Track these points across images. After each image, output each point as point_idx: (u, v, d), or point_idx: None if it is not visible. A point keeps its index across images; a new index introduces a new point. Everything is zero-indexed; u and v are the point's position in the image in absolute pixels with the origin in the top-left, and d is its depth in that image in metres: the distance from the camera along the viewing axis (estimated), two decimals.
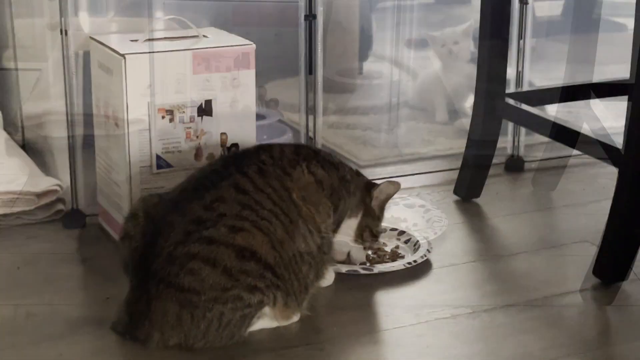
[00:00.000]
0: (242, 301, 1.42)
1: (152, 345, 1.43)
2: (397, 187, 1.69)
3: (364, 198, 1.67)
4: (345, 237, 1.66)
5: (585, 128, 1.89)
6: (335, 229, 1.62)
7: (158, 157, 1.77)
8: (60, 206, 1.94)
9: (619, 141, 1.68)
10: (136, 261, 1.47)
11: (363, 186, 1.67)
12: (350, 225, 1.66)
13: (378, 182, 1.69)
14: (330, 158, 1.63)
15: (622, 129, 1.67)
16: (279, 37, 2.27)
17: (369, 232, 1.68)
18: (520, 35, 2.25)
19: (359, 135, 2.41)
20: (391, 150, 2.36)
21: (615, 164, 1.69)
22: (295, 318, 1.54)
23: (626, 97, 1.66)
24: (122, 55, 1.72)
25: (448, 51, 2.52)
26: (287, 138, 2.27)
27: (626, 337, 1.52)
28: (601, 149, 1.74)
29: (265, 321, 1.50)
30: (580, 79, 2.58)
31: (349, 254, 1.71)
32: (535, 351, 1.47)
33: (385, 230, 1.81)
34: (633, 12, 1.61)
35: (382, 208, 1.70)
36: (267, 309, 1.47)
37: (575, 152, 2.09)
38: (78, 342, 1.49)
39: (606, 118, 2.59)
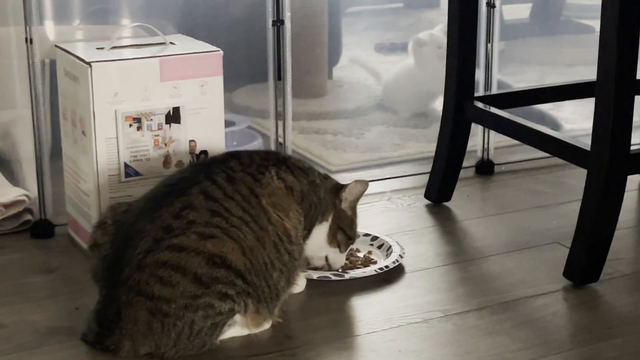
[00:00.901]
0: (213, 309, 1.41)
1: (122, 355, 1.42)
2: (365, 185, 1.68)
3: (334, 201, 1.66)
4: (318, 242, 1.66)
5: (554, 130, 1.90)
6: (307, 235, 1.61)
7: (126, 165, 1.76)
8: (28, 216, 1.92)
9: (588, 142, 1.69)
10: (106, 269, 1.45)
11: (331, 189, 1.66)
12: (322, 230, 1.66)
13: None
14: (300, 163, 1.63)
15: (591, 130, 1.68)
16: (247, 43, 2.26)
17: (343, 234, 1.67)
18: (488, 39, 2.26)
19: (329, 140, 2.41)
20: (362, 155, 2.36)
21: (583, 165, 1.70)
22: (267, 325, 1.53)
23: (593, 98, 1.67)
24: (88, 64, 1.70)
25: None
26: (257, 144, 2.26)
27: (598, 337, 1.52)
28: (570, 151, 1.75)
29: (236, 329, 1.49)
30: (549, 81, 2.60)
31: (327, 259, 1.70)
32: (507, 353, 1.47)
33: (358, 236, 1.80)
34: (599, 14, 1.62)
35: (353, 208, 1.69)
36: (238, 317, 1.47)
37: (545, 153, 2.10)
38: (48, 352, 1.47)
39: (575, 120, 2.61)
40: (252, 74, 2.27)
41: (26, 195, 1.92)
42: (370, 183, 1.72)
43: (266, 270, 1.49)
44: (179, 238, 1.41)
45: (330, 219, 1.66)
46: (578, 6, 2.99)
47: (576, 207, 1.70)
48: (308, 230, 1.61)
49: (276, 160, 1.59)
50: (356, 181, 1.68)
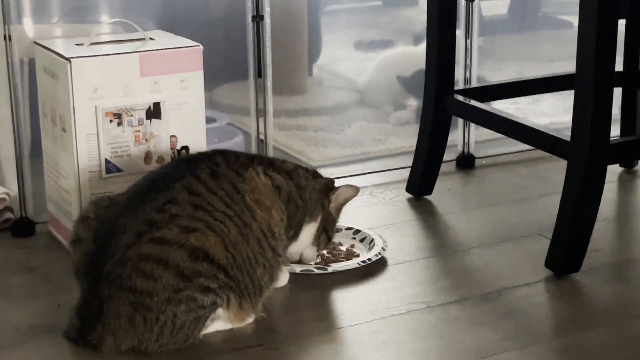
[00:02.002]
0: (195, 302, 1.41)
1: (104, 350, 1.41)
2: (355, 190, 1.69)
3: (323, 201, 1.67)
4: (303, 243, 1.66)
5: (534, 122, 1.90)
6: (295, 235, 1.62)
7: (107, 161, 1.75)
8: (8, 215, 1.91)
9: (568, 135, 1.70)
10: (88, 264, 1.45)
11: (321, 189, 1.66)
12: (309, 231, 1.66)
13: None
14: (285, 167, 1.63)
15: (570, 124, 1.69)
16: (227, 40, 2.26)
17: (326, 235, 1.68)
18: (467, 33, 2.26)
19: (310, 136, 2.41)
20: (343, 150, 2.36)
21: (564, 156, 1.71)
22: (250, 320, 1.53)
23: (573, 91, 1.68)
24: (68, 59, 1.70)
25: None
26: (237, 140, 2.26)
27: (579, 327, 1.53)
28: (550, 142, 1.76)
29: (219, 323, 1.49)
30: (528, 74, 2.61)
31: (301, 255, 1.70)
32: (490, 343, 1.47)
33: (340, 230, 1.81)
34: (577, 9, 1.63)
35: (339, 210, 1.70)
36: (221, 311, 1.46)
37: (525, 147, 2.11)
38: (30, 350, 1.46)
39: (554, 113, 2.62)
40: (232, 71, 2.27)
41: (6, 194, 1.91)
42: (351, 178, 1.72)
43: (250, 265, 1.48)
44: (161, 231, 1.41)
45: (318, 220, 1.66)
46: (556, 2, 3.01)
47: (557, 199, 1.70)
48: (295, 232, 1.62)
49: (261, 161, 1.59)
50: (347, 185, 1.68)
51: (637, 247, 1.85)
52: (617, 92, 2.11)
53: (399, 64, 2.58)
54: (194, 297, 1.40)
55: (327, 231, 1.68)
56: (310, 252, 1.70)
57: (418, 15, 2.75)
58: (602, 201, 1.68)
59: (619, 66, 1.96)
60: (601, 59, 1.62)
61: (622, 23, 2.13)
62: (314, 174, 1.68)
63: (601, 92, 1.63)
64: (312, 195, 1.64)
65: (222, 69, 2.26)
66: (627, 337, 1.50)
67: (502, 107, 2.47)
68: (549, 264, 1.71)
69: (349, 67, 2.75)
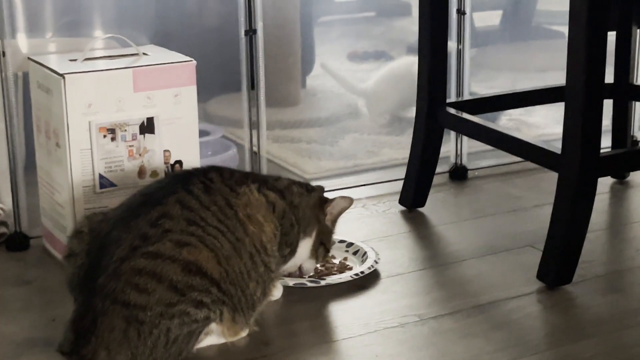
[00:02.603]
0: (188, 316, 1.41)
1: None
2: (349, 201, 1.70)
3: (318, 215, 1.68)
4: (300, 257, 1.68)
5: (526, 134, 1.92)
6: (292, 252, 1.63)
7: (101, 176, 1.76)
8: (3, 229, 1.92)
9: (559, 146, 1.71)
10: (81, 278, 1.45)
11: (315, 203, 1.67)
12: (306, 246, 1.67)
13: (329, 195, 1.71)
14: (279, 185, 1.64)
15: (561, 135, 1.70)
16: (220, 53, 2.27)
17: (324, 248, 1.69)
18: (459, 46, 2.28)
19: (303, 148, 2.42)
20: (336, 162, 2.37)
21: (555, 169, 1.72)
22: (243, 334, 1.53)
23: (564, 102, 1.69)
24: (62, 75, 1.71)
25: None
26: (231, 153, 2.27)
27: (572, 337, 1.54)
28: (541, 154, 1.77)
29: (213, 338, 1.50)
30: (520, 86, 2.62)
31: (300, 267, 1.72)
32: (483, 355, 1.48)
33: (334, 243, 1.82)
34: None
35: (334, 222, 1.71)
36: (214, 326, 1.47)
37: (517, 158, 2.12)
38: None
39: (547, 125, 2.63)
40: (225, 83, 2.28)
41: (1, 208, 1.92)
42: (345, 190, 1.73)
43: (242, 279, 1.49)
44: (154, 246, 1.41)
45: (314, 235, 1.67)
46: (548, 12, 3.02)
47: (549, 210, 1.71)
48: (292, 249, 1.63)
49: (255, 179, 1.61)
50: (341, 197, 1.70)
51: (629, 257, 1.86)
52: (608, 104, 2.13)
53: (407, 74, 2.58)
54: (187, 311, 1.41)
55: (324, 244, 1.69)
56: (309, 265, 1.71)
57: (411, 25, 2.76)
58: (593, 212, 1.69)
59: (609, 78, 1.98)
60: (591, 71, 1.63)
61: (612, 34, 2.15)
62: (307, 188, 1.69)
63: (591, 104, 1.64)
64: (305, 212, 1.65)
65: (215, 81, 2.27)
66: (620, 347, 1.51)
67: (494, 117, 2.49)
68: (541, 275, 1.72)
69: (342, 78, 2.75)
